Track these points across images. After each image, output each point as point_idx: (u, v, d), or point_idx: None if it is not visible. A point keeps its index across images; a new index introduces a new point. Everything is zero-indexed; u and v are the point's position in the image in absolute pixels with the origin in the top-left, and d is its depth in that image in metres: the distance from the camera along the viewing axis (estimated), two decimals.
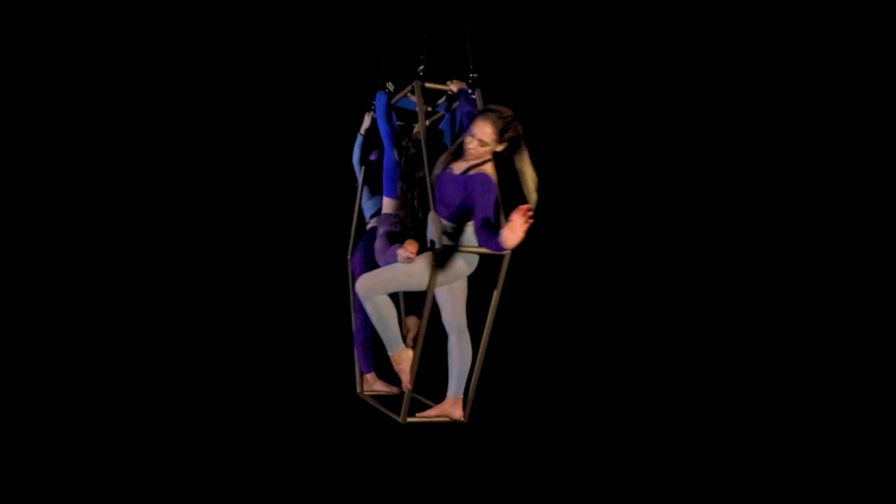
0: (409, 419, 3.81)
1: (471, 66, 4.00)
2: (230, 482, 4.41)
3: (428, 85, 3.92)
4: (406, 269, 3.56)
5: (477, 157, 3.52)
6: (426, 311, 3.58)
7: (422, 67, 3.91)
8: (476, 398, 3.84)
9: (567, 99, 5.74)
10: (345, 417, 4.74)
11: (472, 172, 3.50)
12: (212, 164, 5.38)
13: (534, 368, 5.49)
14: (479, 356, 3.78)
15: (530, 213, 3.13)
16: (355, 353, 4.40)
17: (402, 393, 4.07)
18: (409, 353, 3.72)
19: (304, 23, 5.37)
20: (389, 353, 3.73)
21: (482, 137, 3.46)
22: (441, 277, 3.57)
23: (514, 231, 3.13)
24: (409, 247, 3.54)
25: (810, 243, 5.71)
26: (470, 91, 3.96)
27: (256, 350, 5.17)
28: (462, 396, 3.87)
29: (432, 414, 3.88)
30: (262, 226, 5.34)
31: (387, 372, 4.13)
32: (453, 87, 3.96)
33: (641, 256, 5.80)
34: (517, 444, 4.93)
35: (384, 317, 3.62)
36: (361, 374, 4.42)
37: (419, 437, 4.06)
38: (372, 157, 4.55)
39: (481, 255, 3.65)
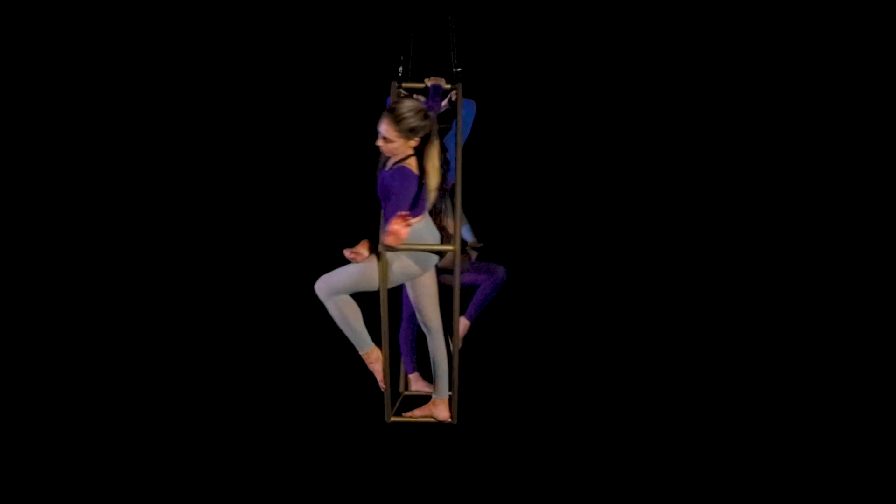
0: (395, 419, 3.83)
1: (455, 61, 3.93)
2: (215, 480, 4.55)
3: (406, 85, 3.93)
4: (359, 269, 3.58)
5: (393, 154, 3.47)
6: (383, 311, 3.58)
7: (401, 69, 3.93)
8: (467, 399, 3.76)
9: (561, 96, 5.52)
10: (342, 417, 4.81)
11: (395, 167, 3.47)
12: (266, 171, 5.50)
13: (527, 368, 5.30)
14: (454, 357, 3.69)
15: (410, 221, 3.16)
16: (401, 351, 4.48)
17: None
18: (379, 353, 3.71)
19: (344, 28, 5.38)
20: (360, 354, 3.77)
21: (384, 134, 3.41)
22: (391, 277, 3.56)
23: (392, 234, 3.13)
24: (358, 246, 3.58)
25: (807, 238, 5.47)
26: (449, 87, 3.90)
27: (288, 349, 5.30)
28: (447, 397, 3.81)
29: (418, 414, 3.87)
30: (315, 228, 5.34)
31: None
32: (429, 83, 3.92)
33: (632, 252, 5.57)
34: (507, 445, 4.72)
35: (347, 317, 3.64)
36: (406, 374, 4.49)
37: (403, 436, 4.05)
38: None
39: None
